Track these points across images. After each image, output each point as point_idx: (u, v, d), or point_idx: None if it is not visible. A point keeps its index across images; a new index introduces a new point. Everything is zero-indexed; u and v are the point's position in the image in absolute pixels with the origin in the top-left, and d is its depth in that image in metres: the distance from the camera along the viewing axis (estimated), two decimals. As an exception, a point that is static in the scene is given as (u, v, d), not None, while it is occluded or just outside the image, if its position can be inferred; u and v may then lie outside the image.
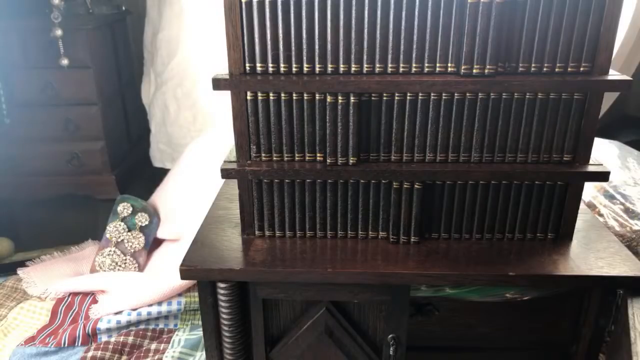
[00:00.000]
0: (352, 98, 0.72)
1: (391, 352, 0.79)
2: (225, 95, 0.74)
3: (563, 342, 0.82)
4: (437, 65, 0.71)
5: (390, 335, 0.79)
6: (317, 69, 0.72)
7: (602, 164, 0.76)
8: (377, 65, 0.71)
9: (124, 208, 1.50)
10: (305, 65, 0.71)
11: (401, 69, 0.71)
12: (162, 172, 1.73)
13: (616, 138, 1.37)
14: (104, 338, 1.21)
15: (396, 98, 0.73)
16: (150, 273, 1.42)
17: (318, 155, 0.77)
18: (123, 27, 1.86)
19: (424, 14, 0.68)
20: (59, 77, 1.58)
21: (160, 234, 1.49)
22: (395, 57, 0.71)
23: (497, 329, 0.82)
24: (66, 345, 1.19)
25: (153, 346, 1.20)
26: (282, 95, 0.73)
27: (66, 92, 1.60)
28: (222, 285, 0.75)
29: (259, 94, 0.73)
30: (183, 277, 0.75)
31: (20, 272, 1.47)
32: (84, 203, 1.74)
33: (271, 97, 0.73)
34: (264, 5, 0.69)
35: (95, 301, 1.33)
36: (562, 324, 0.81)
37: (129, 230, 1.49)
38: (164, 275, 1.32)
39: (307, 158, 0.77)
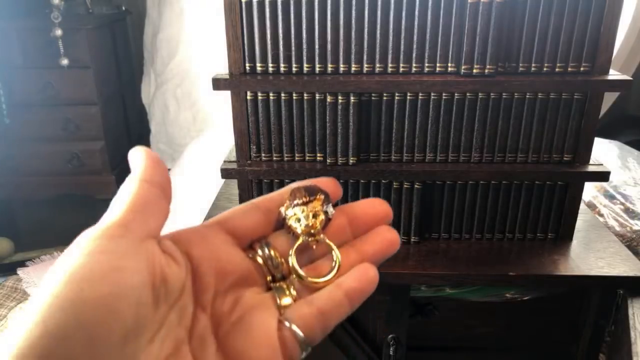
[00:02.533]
0: (352, 98, 0.72)
1: (391, 352, 0.79)
2: (225, 95, 0.74)
3: (563, 342, 0.82)
4: (437, 65, 0.71)
5: (390, 336, 0.79)
6: (317, 69, 0.72)
7: (602, 164, 0.76)
8: (377, 65, 0.71)
9: (124, 208, 1.50)
10: (305, 65, 0.71)
11: (401, 69, 0.71)
12: (162, 172, 1.72)
13: (616, 138, 1.37)
14: (104, 338, 1.21)
15: (396, 98, 0.73)
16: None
17: (318, 155, 0.77)
18: (123, 27, 1.86)
19: (424, 14, 0.68)
20: (58, 77, 1.58)
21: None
22: (396, 57, 0.71)
23: (498, 329, 0.82)
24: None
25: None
26: (282, 95, 0.73)
27: (66, 92, 1.60)
28: (222, 285, 0.75)
29: (259, 94, 0.73)
30: (183, 277, 0.75)
31: (20, 272, 1.47)
32: (84, 203, 1.74)
33: (271, 97, 0.73)
34: (263, 5, 0.69)
35: (95, 301, 1.33)
36: (562, 324, 0.81)
37: (129, 230, 1.48)
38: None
39: (307, 158, 0.77)
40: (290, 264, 0.34)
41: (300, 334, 0.31)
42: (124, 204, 0.30)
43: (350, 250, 0.35)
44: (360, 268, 0.34)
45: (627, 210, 1.04)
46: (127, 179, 0.31)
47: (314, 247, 0.35)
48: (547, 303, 0.79)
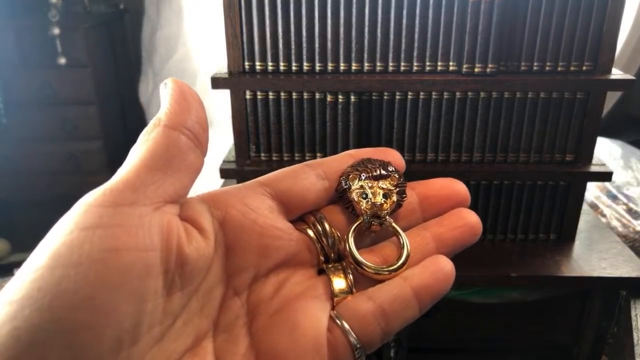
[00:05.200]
0: (352, 97, 0.71)
1: (392, 354, 0.79)
2: (224, 94, 0.74)
3: (565, 344, 0.81)
4: (439, 64, 0.70)
5: (391, 337, 0.78)
6: (317, 68, 0.71)
7: (604, 164, 0.75)
8: (378, 64, 0.70)
9: (122, 208, 1.49)
10: (305, 64, 0.71)
11: (402, 68, 0.71)
12: (161, 172, 1.72)
13: (619, 138, 1.37)
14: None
15: (397, 97, 0.72)
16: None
17: (318, 154, 0.76)
18: (121, 25, 1.85)
19: (425, 13, 0.68)
20: (56, 76, 1.57)
21: (158, 234, 1.48)
22: (396, 55, 0.70)
23: (499, 330, 0.81)
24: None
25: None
26: (282, 94, 0.72)
27: (64, 92, 1.59)
28: (220, 286, 0.74)
29: (258, 93, 0.72)
30: (181, 279, 0.74)
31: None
32: (81, 203, 1.73)
33: (270, 96, 0.72)
34: (263, 3, 0.68)
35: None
36: (564, 326, 0.80)
37: (127, 231, 1.48)
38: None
39: (306, 157, 0.76)
40: (347, 248, 0.27)
41: (355, 339, 0.25)
42: (137, 160, 0.23)
43: (424, 233, 0.29)
44: (433, 260, 0.27)
45: (630, 211, 1.03)
46: (150, 124, 0.25)
47: (375, 233, 0.29)
48: (549, 304, 0.78)
